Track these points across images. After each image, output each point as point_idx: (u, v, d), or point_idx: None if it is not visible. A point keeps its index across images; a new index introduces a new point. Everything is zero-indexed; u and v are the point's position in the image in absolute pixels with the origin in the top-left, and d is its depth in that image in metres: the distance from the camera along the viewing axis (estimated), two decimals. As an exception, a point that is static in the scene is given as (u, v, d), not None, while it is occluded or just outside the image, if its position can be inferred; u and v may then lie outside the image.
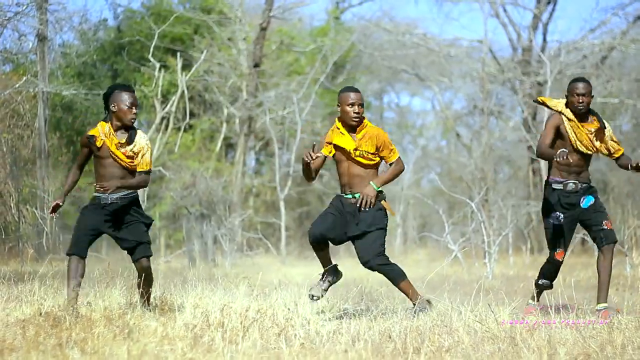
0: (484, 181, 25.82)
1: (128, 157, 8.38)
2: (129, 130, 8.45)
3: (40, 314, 7.41)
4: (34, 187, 19.98)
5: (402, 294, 8.74)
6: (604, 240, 9.07)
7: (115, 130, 8.40)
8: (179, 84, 25.90)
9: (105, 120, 8.47)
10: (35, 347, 6.01)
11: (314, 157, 8.30)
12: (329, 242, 8.55)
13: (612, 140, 9.23)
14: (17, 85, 19.85)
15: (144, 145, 8.47)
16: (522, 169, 31.77)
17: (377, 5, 51.54)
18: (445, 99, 35.63)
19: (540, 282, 9.33)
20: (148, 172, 8.52)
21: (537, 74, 28.34)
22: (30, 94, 20.65)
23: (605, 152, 9.24)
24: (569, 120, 9.05)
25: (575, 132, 9.03)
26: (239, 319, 7.05)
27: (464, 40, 31.72)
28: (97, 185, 8.29)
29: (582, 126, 9.07)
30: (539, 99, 9.44)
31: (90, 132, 8.43)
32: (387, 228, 8.69)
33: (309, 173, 8.61)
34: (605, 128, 9.15)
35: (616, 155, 9.28)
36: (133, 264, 8.46)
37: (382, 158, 8.71)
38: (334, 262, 8.65)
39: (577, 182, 9.05)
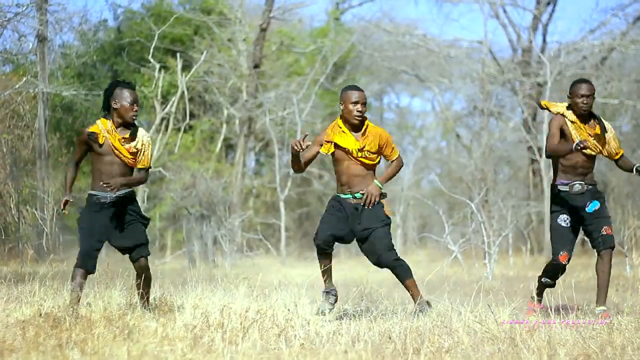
0: (484, 182, 25.82)
1: (131, 153, 8.40)
2: (130, 127, 8.46)
3: (40, 314, 7.41)
4: (34, 187, 19.98)
5: (401, 295, 8.75)
6: (602, 245, 9.08)
7: (117, 128, 8.41)
8: (179, 84, 25.90)
9: (105, 117, 8.46)
10: (35, 348, 6.02)
11: (303, 147, 8.31)
12: (340, 241, 8.58)
13: (614, 141, 9.24)
14: (17, 86, 19.86)
15: (146, 142, 8.50)
16: (522, 170, 31.78)
17: (377, 6, 51.62)
18: (445, 99, 35.67)
19: (543, 280, 9.34)
20: (147, 170, 8.56)
21: (537, 74, 28.35)
22: (30, 94, 20.66)
23: (606, 153, 9.24)
24: (572, 122, 9.06)
25: (578, 134, 9.03)
26: (239, 320, 7.06)
27: (464, 41, 31.76)
28: (102, 183, 8.26)
29: (584, 128, 9.08)
30: (542, 103, 9.44)
31: (91, 129, 8.39)
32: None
33: (298, 163, 8.67)
34: (606, 131, 9.15)
35: (616, 157, 9.28)
36: (132, 264, 8.48)
37: (383, 156, 8.74)
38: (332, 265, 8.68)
39: (583, 183, 9.06)
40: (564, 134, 9.05)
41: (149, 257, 8.46)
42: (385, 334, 6.94)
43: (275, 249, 25.49)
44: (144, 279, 8.37)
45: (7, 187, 19.00)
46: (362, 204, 8.53)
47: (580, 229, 9.23)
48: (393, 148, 8.78)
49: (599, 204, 9.13)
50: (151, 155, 8.60)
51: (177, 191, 24.09)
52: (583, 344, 6.63)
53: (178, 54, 26.49)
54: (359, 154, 8.57)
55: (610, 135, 9.17)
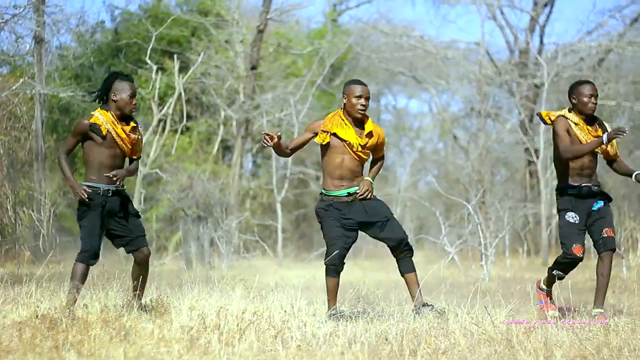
0: (481, 183, 25.82)
1: (131, 144, 8.47)
2: (128, 119, 8.49)
3: (37, 316, 7.41)
4: (31, 189, 19.96)
5: (397, 297, 8.76)
6: (602, 247, 9.09)
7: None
8: (176, 86, 25.88)
9: (104, 108, 8.44)
10: (31, 350, 6.01)
11: (270, 144, 8.34)
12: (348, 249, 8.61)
13: (614, 142, 9.27)
14: (14, 88, 19.84)
15: (141, 133, 8.61)
16: (519, 171, 31.78)
17: (374, 7, 51.70)
18: (442, 101, 35.69)
19: (555, 272, 9.31)
20: (139, 159, 8.68)
21: (534, 76, 28.36)
22: (27, 96, 20.64)
23: (609, 154, 9.26)
24: (575, 124, 9.06)
25: (583, 135, 9.04)
26: (236, 321, 7.06)
27: (461, 42, 31.74)
28: (112, 175, 8.30)
29: (589, 130, 9.09)
30: (541, 113, 9.43)
31: (91, 120, 8.37)
32: None
33: (281, 152, 8.78)
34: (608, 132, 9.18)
35: (614, 158, 9.30)
36: (133, 255, 8.49)
37: (372, 154, 8.79)
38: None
39: (590, 185, 9.10)
40: (570, 137, 9.06)
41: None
42: (382, 335, 6.94)
43: (272, 250, 25.48)
44: (145, 270, 8.45)
45: (3, 189, 18.99)
46: (358, 197, 8.54)
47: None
48: (383, 147, 8.84)
49: (602, 203, 9.16)
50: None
51: (174, 193, 24.08)
52: (579, 346, 6.64)
53: (175, 56, 26.48)
54: (360, 149, 8.59)
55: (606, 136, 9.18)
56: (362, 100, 8.58)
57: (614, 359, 6.35)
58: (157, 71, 25.55)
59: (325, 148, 8.66)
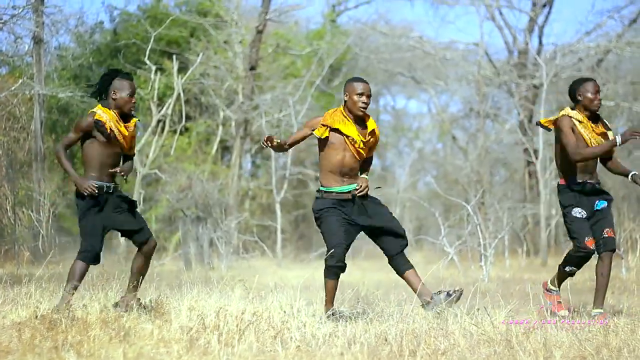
0: (480, 184, 25.83)
1: (130, 141, 8.51)
2: (126, 116, 8.50)
3: (36, 316, 7.40)
4: (30, 189, 19.96)
5: (397, 297, 8.76)
6: (603, 247, 9.10)
7: None
8: (175, 86, 25.88)
9: (105, 105, 8.41)
10: (31, 350, 6.01)
11: (267, 146, 8.31)
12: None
13: None
14: (13, 88, 19.84)
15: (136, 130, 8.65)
16: (518, 172, 31.79)
17: (373, 8, 51.69)
18: (441, 101, 35.73)
19: (567, 269, 9.27)
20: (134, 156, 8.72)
21: (533, 76, 28.36)
22: (26, 96, 20.64)
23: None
24: (579, 122, 9.07)
25: (587, 133, 9.05)
26: (235, 322, 7.05)
27: (460, 43, 31.77)
28: (119, 171, 8.34)
29: (593, 127, 9.11)
30: (541, 122, 9.42)
31: (96, 117, 8.34)
32: None
33: (279, 149, 8.67)
34: (610, 130, 9.21)
35: (611, 156, 9.32)
36: (141, 246, 8.50)
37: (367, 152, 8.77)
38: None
39: (592, 182, 9.13)
40: (575, 135, 9.07)
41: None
42: (382, 336, 6.93)
43: (271, 251, 25.48)
44: (148, 262, 8.48)
45: (3, 189, 18.99)
46: (357, 194, 8.53)
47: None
48: (375, 147, 8.84)
49: (605, 203, 9.18)
50: None
51: (173, 193, 24.07)
52: (579, 346, 6.64)
53: (174, 56, 26.47)
54: (362, 145, 8.58)
55: (611, 133, 9.21)
56: (364, 98, 8.57)
57: (613, 359, 6.35)
58: (156, 72, 25.54)
59: (324, 144, 8.60)
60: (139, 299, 8.57)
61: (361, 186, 8.55)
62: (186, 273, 14.95)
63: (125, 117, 8.49)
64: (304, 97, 27.82)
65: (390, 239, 8.59)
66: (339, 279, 8.54)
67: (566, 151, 8.99)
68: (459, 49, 31.44)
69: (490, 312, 7.89)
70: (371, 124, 8.71)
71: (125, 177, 8.46)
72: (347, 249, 8.46)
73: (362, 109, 8.56)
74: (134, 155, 8.73)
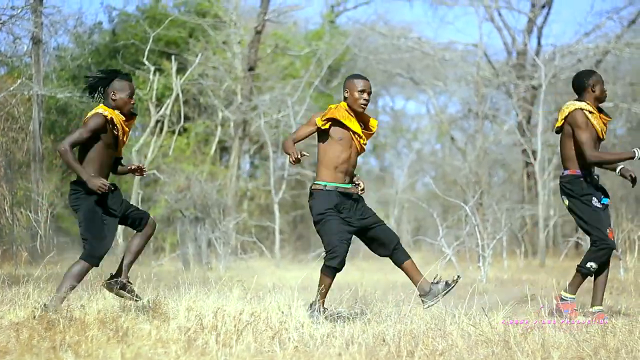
0: (479, 185, 25.83)
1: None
2: (126, 116, 8.47)
3: (34, 317, 7.40)
4: (28, 190, 19.94)
5: (395, 297, 8.74)
6: None
7: None
8: (173, 87, 25.88)
9: (107, 105, 8.36)
10: (29, 350, 6.01)
11: (297, 160, 8.21)
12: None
13: None
14: (11, 88, 19.83)
15: None
16: (516, 173, 31.81)
17: (372, 8, 51.72)
18: (440, 102, 35.73)
19: (590, 266, 9.14)
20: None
21: (532, 77, 28.38)
22: (25, 96, 20.62)
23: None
24: (591, 113, 9.14)
25: (597, 124, 9.15)
26: (233, 322, 7.05)
27: (459, 44, 31.79)
28: (137, 168, 8.40)
29: (601, 117, 9.23)
30: (556, 127, 9.41)
31: (109, 116, 8.28)
32: None
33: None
34: (610, 119, 9.37)
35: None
36: (141, 229, 8.46)
37: None
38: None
39: (597, 175, 9.22)
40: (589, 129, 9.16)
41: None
42: (379, 336, 6.93)
43: (270, 251, 25.48)
44: (147, 241, 8.46)
45: (1, 190, 18.98)
46: (360, 193, 8.49)
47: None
48: None
49: (608, 201, 9.22)
50: None
51: (171, 194, 24.06)
52: (577, 347, 6.64)
53: (173, 57, 26.47)
54: (364, 142, 8.57)
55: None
56: (365, 95, 8.51)
57: (611, 360, 6.36)
58: (154, 72, 25.54)
59: (327, 140, 8.46)
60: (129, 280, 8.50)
61: (362, 185, 8.52)
62: (184, 273, 14.90)
63: (124, 116, 8.47)
64: (302, 98, 27.83)
65: (384, 236, 8.51)
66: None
67: (579, 144, 9.02)
68: (458, 50, 31.46)
69: (488, 313, 7.90)
70: (374, 123, 8.68)
71: (144, 174, 8.57)
72: (347, 250, 8.41)
73: (362, 106, 8.50)
74: (122, 157, 8.67)
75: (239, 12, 28.45)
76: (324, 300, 8.40)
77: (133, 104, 8.42)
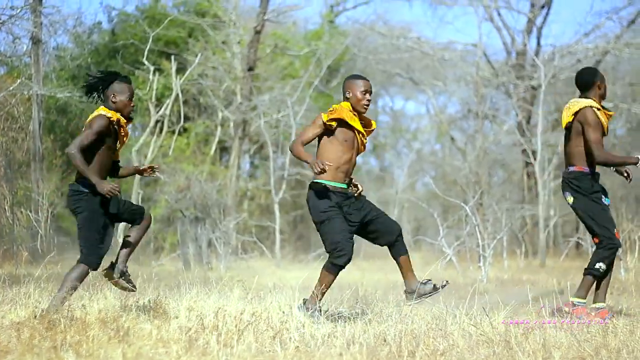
0: (479, 185, 25.84)
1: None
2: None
3: (35, 316, 7.40)
4: (28, 189, 19.95)
5: (396, 297, 8.74)
6: None
7: None
8: (173, 87, 25.88)
9: (109, 107, 8.32)
10: (29, 350, 6.01)
11: (322, 171, 8.10)
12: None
13: None
14: (11, 88, 19.83)
15: None
16: (516, 173, 31.82)
17: (371, 8, 51.72)
18: (439, 102, 35.76)
19: (597, 265, 9.09)
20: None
21: (531, 77, 28.39)
22: (25, 96, 20.63)
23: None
24: (598, 109, 9.20)
25: (604, 118, 9.23)
26: (234, 322, 7.05)
27: (459, 44, 31.80)
28: (155, 168, 8.39)
29: (605, 113, 9.32)
30: (564, 123, 9.41)
31: (113, 117, 8.26)
32: None
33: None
34: (611, 113, 9.47)
35: None
36: (138, 222, 8.42)
37: None
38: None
39: (599, 173, 9.28)
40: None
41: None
42: (380, 336, 6.93)
43: (270, 251, 25.47)
44: (145, 233, 8.42)
45: (1, 189, 18.98)
46: (354, 193, 8.42)
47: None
48: None
49: (609, 202, 9.26)
50: None
51: (171, 194, 24.05)
52: (578, 347, 6.64)
53: (172, 57, 26.47)
54: (365, 141, 8.54)
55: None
56: (368, 95, 8.47)
57: (612, 360, 6.36)
58: (154, 72, 25.53)
59: (327, 139, 8.33)
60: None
61: (360, 188, 8.48)
62: (185, 273, 14.92)
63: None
64: (302, 98, 27.82)
65: (385, 227, 8.43)
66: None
67: (588, 142, 9.04)
68: (457, 50, 31.46)
69: (489, 313, 7.89)
70: (373, 123, 8.64)
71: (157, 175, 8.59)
72: (353, 248, 8.35)
73: (365, 107, 8.43)
74: (119, 160, 8.62)
75: (239, 12, 28.46)
76: (321, 299, 8.30)
77: (133, 106, 8.39)
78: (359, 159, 8.78)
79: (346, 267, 8.24)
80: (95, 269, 8.15)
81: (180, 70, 26.73)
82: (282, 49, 30.48)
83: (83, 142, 8.03)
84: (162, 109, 25.96)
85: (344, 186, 8.32)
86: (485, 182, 26.91)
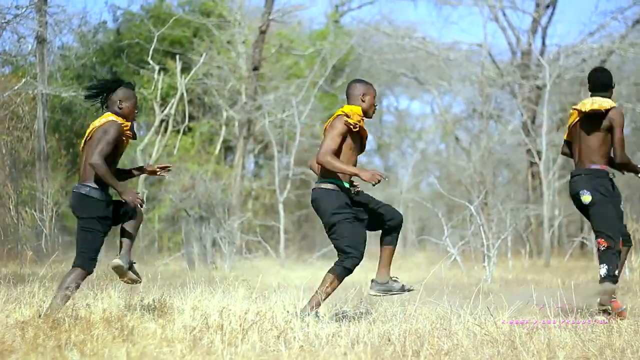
0: (483, 185, 25.82)
1: None
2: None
3: (40, 315, 7.41)
4: (33, 189, 19.96)
5: (400, 297, 8.75)
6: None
7: None
8: (178, 86, 25.89)
9: (113, 113, 8.31)
10: (34, 349, 6.01)
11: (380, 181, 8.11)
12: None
13: None
14: (16, 87, 19.84)
15: None
16: (521, 173, 31.80)
17: (376, 8, 51.76)
18: (444, 102, 35.75)
19: (609, 270, 9.09)
20: None
21: (536, 77, 28.37)
22: (30, 96, 20.64)
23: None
24: None
25: None
26: (238, 322, 7.05)
27: (463, 43, 31.80)
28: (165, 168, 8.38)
29: None
30: (593, 108, 9.32)
31: (124, 124, 8.26)
32: None
33: None
34: None
35: None
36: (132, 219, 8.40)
37: None
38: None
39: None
40: None
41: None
42: (385, 336, 6.93)
43: (274, 251, 25.47)
44: (138, 228, 8.41)
45: (6, 189, 18.98)
46: (354, 192, 8.42)
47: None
48: None
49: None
50: None
51: (176, 193, 24.06)
52: (582, 347, 6.63)
53: (177, 56, 26.48)
54: (365, 144, 8.57)
55: None
56: (376, 103, 8.59)
57: (617, 360, 6.36)
58: (159, 72, 25.55)
59: (346, 141, 8.30)
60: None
61: (359, 188, 8.49)
62: (189, 273, 14.96)
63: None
64: (307, 98, 27.82)
65: (389, 214, 8.41)
66: None
67: (614, 143, 9.05)
68: (462, 50, 31.47)
69: (493, 313, 7.89)
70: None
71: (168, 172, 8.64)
72: (365, 242, 8.35)
73: (374, 113, 8.57)
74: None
75: (244, 12, 28.46)
76: (320, 305, 8.20)
77: (137, 112, 8.42)
78: (363, 158, 8.80)
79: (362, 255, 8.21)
80: (89, 273, 8.13)
81: (185, 69, 26.74)
82: (287, 49, 30.48)
83: (104, 151, 8.02)
84: (167, 108, 25.98)
85: (348, 186, 8.32)
86: (490, 182, 26.90)
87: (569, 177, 9.48)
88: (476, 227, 18.18)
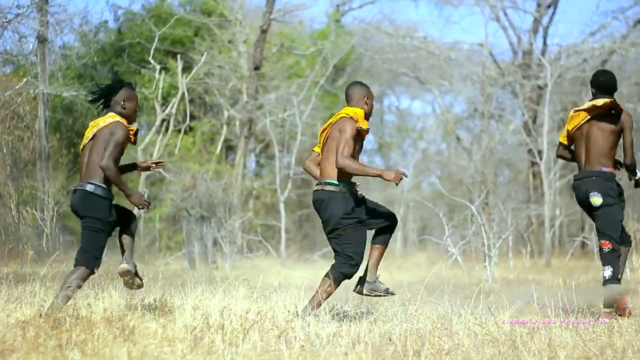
0: (484, 184, 25.82)
1: None
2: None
3: (41, 315, 7.40)
4: (34, 188, 19.97)
5: (401, 297, 8.76)
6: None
7: None
8: (179, 86, 25.90)
9: (116, 114, 8.30)
10: (35, 349, 6.01)
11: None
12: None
13: None
14: (17, 87, 19.85)
15: None
16: (522, 173, 31.80)
17: (377, 8, 51.57)
18: (445, 102, 35.73)
19: (613, 274, 9.07)
20: None
21: (538, 77, 28.36)
22: (31, 95, 20.66)
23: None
24: None
25: None
26: (239, 321, 7.05)
27: (465, 43, 31.80)
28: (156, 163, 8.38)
29: None
30: (608, 103, 9.29)
31: (129, 127, 8.27)
32: None
33: None
34: None
35: None
36: (131, 227, 8.40)
37: None
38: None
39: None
40: None
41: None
42: (386, 335, 6.93)
43: (275, 250, 25.48)
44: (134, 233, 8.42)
45: (7, 188, 18.99)
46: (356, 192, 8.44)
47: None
48: None
49: None
50: None
51: (177, 192, 24.07)
52: (583, 347, 6.63)
53: (178, 56, 26.49)
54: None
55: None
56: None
57: (617, 360, 6.35)
58: (160, 71, 25.56)
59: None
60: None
61: (358, 185, 8.52)
62: (190, 272, 14.95)
63: None
64: (308, 97, 27.82)
65: (385, 214, 8.45)
66: None
67: (624, 145, 9.07)
68: (464, 50, 31.46)
69: (494, 313, 7.89)
70: None
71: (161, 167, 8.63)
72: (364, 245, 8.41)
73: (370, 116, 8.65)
74: None
75: (245, 11, 28.47)
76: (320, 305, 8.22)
77: (138, 112, 8.45)
78: (364, 157, 8.82)
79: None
80: (93, 273, 8.13)
81: (186, 69, 26.76)
82: (288, 48, 30.49)
83: (114, 154, 8.06)
84: (168, 107, 25.99)
85: (348, 186, 8.34)
86: (491, 181, 26.90)
87: (570, 177, 9.49)
88: (477, 227, 18.18)
